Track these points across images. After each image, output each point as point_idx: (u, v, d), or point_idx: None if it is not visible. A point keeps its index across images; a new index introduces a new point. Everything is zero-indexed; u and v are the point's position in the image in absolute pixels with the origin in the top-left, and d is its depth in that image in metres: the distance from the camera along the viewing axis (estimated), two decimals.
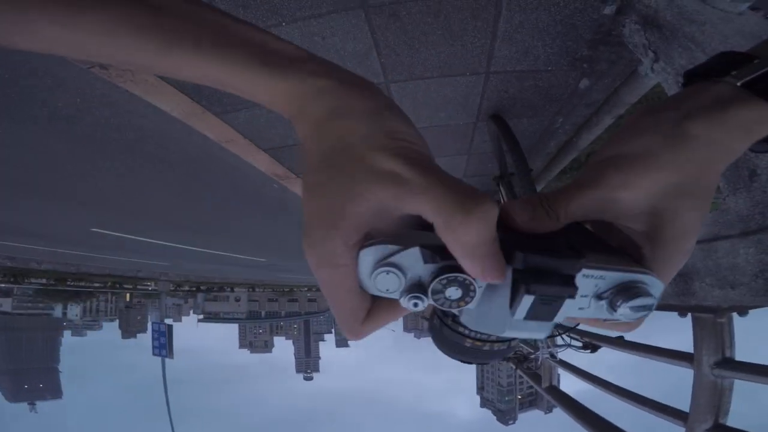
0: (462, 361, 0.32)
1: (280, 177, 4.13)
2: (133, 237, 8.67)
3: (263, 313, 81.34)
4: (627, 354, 2.33)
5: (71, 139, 3.58)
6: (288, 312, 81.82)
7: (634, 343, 2.14)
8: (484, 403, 74.51)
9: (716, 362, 1.46)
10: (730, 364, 1.45)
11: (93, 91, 2.88)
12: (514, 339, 0.29)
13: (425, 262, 0.24)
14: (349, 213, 0.23)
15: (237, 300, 71.86)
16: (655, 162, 0.25)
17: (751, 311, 1.33)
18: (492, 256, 0.22)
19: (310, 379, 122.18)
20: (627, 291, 0.24)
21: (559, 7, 1.94)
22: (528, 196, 0.29)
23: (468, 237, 0.21)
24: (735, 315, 1.37)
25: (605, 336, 2.46)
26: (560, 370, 3.62)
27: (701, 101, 0.26)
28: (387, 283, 0.24)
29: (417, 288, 0.24)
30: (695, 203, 0.26)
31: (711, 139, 0.25)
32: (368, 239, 0.24)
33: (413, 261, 0.24)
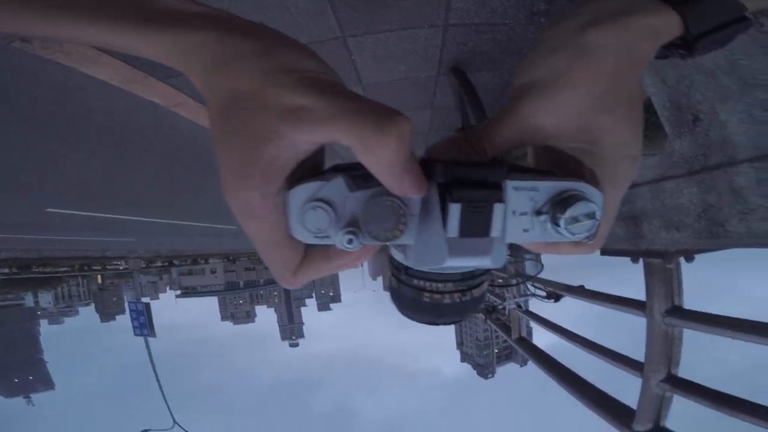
0: (428, 323, 0.30)
1: None
2: (92, 214, 8.33)
3: (242, 283, 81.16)
4: (589, 304, 2.41)
5: (9, 120, 3.33)
6: (267, 279, 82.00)
7: (593, 291, 2.21)
8: (464, 357, 78.40)
9: (666, 310, 1.51)
10: (679, 312, 1.50)
11: (22, 67, 2.65)
12: (476, 285, 0.27)
13: (351, 190, 0.22)
14: (259, 161, 0.22)
15: (213, 272, 71.21)
16: (565, 82, 0.24)
17: (697, 259, 1.38)
18: (411, 170, 0.21)
19: (296, 345, 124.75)
20: (565, 201, 0.23)
21: None
22: (452, 136, 0.26)
23: (386, 154, 0.21)
24: (683, 261, 1.41)
25: (567, 285, 2.54)
26: (532, 323, 3.77)
27: (605, 8, 0.24)
28: (317, 221, 0.22)
29: (350, 224, 0.23)
30: (620, 114, 0.25)
31: (618, 47, 0.24)
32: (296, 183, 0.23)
33: (340, 193, 0.23)
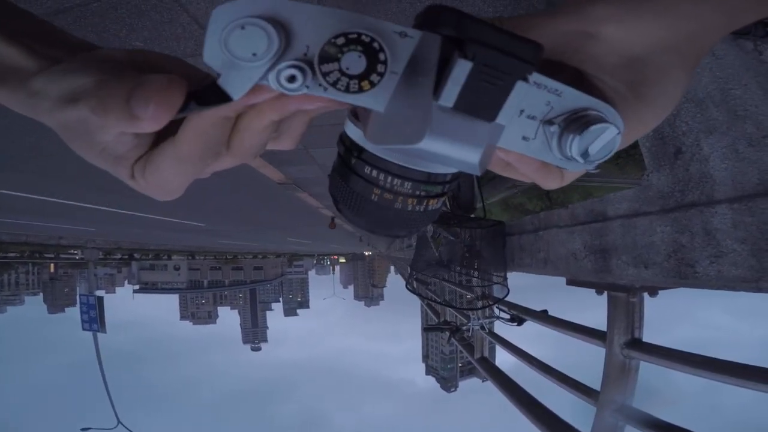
0: (365, 229, 0.25)
1: None
2: (47, 198, 7.90)
3: (205, 283, 78.73)
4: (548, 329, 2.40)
5: None
6: (232, 281, 79.83)
7: (556, 318, 2.19)
8: (429, 370, 78.64)
9: (626, 342, 1.49)
10: (638, 345, 1.49)
11: None
12: (437, 194, 0.23)
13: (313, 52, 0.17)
14: (104, 157, 0.22)
15: (176, 269, 68.83)
16: (671, 6, 0.20)
17: (660, 292, 1.36)
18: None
19: (258, 349, 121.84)
20: (586, 120, 0.19)
21: None
22: (484, 19, 0.19)
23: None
24: (646, 296, 1.39)
25: (531, 310, 2.52)
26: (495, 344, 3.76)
27: None
28: (249, 43, 0.16)
29: (295, 54, 0.17)
30: (686, 65, 0.21)
31: (728, 3, 0.20)
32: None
33: (289, 6, 0.16)
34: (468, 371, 74.24)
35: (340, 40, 0.16)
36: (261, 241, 28.16)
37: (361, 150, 0.22)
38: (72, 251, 20.45)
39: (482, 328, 3.25)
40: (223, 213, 11.56)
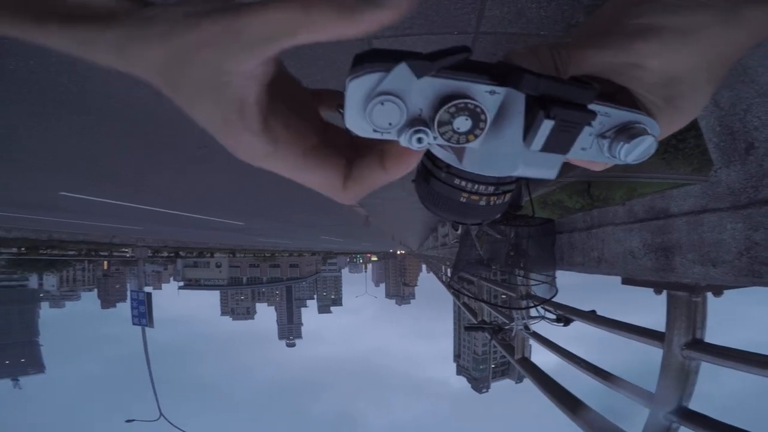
0: (455, 221, 0.31)
1: None
2: (104, 200, 8.43)
3: (245, 279, 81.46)
4: (599, 330, 2.34)
5: (31, 103, 3.38)
6: (270, 278, 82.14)
7: (607, 318, 2.13)
8: (460, 370, 77.70)
9: (686, 343, 1.44)
10: (699, 345, 1.43)
11: (48, 52, 2.66)
12: (510, 190, 0.28)
13: (418, 75, 0.21)
14: (231, 108, 0.21)
15: (218, 266, 71.64)
16: (703, 38, 0.24)
17: (726, 292, 1.30)
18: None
19: (293, 345, 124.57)
20: (629, 131, 0.24)
21: None
22: (536, 46, 0.25)
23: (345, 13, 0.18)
24: (710, 295, 1.33)
25: (578, 310, 2.46)
26: (533, 344, 3.68)
27: None
28: (387, 116, 0.21)
29: (419, 122, 0.22)
30: (715, 79, 0.25)
31: (759, 29, 0.24)
32: (271, 111, 0.22)
33: (406, 82, 0.21)
34: (501, 372, 72.73)
35: (452, 109, 0.21)
36: (296, 239, 28.81)
37: (449, 166, 0.26)
38: (123, 249, 21.68)
39: (526, 328, 3.20)
40: (261, 211, 11.92)
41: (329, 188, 0.26)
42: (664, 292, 1.45)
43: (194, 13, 0.20)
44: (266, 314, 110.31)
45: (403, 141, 0.22)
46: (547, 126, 0.21)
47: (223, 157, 5.38)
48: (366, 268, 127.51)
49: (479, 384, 75.45)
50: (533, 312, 2.76)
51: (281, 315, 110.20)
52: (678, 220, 1.10)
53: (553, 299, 2.16)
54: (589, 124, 0.23)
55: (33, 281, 78.51)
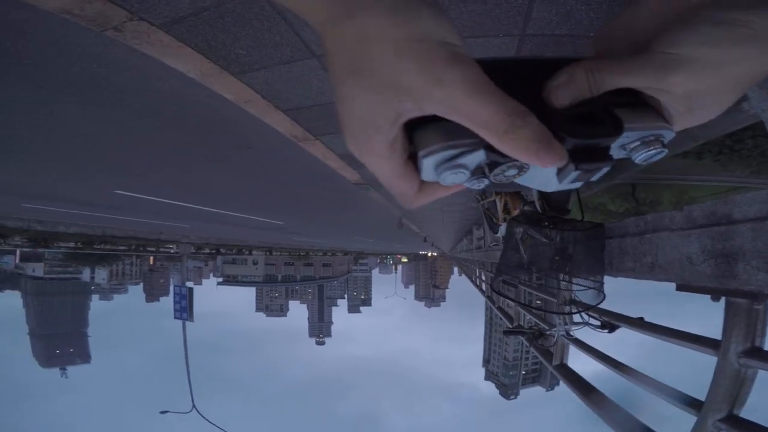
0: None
1: (298, 138, 4.09)
2: (154, 198, 8.90)
3: (279, 277, 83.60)
4: (647, 337, 2.28)
5: (92, 104, 3.62)
6: (303, 276, 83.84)
7: (656, 325, 2.07)
8: (489, 376, 76.15)
9: (744, 351, 1.39)
10: (758, 353, 1.38)
11: (108, 55, 2.86)
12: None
13: (490, 170, 0.27)
14: (388, 116, 0.25)
15: (255, 263, 74.03)
16: (740, 69, 0.25)
17: None
18: (551, 150, 0.24)
19: (322, 343, 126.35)
20: (648, 144, 0.28)
21: None
22: (573, 71, 0.27)
23: (521, 145, 0.23)
24: None
25: (625, 316, 2.39)
26: (572, 350, 3.60)
27: None
28: (454, 179, 0.28)
29: (479, 172, 0.28)
30: (737, 93, 0.27)
31: None
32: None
33: (477, 159, 0.27)
34: (532, 379, 70.73)
35: (504, 168, 0.27)
36: (331, 238, 29.25)
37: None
38: (169, 245, 22.84)
39: (567, 334, 3.14)
40: (300, 212, 12.22)
41: (405, 196, 0.31)
42: (722, 299, 1.41)
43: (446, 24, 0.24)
44: (298, 312, 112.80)
45: (467, 185, 0.29)
46: (574, 173, 0.27)
47: (267, 158, 5.60)
48: (396, 269, 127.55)
49: (508, 390, 73.64)
50: (576, 318, 2.71)
51: (312, 313, 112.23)
52: (742, 226, 1.07)
53: (599, 306, 2.13)
54: (608, 167, 0.28)
55: (86, 274, 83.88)
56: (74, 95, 3.48)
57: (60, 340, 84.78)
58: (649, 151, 0.28)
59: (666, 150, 0.28)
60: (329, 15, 0.23)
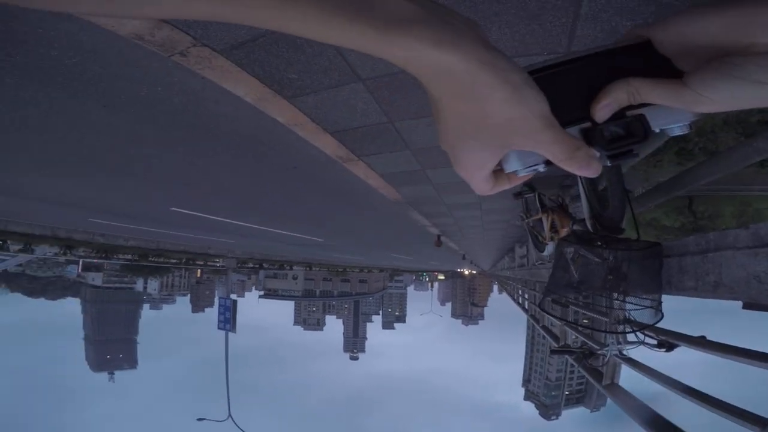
0: None
1: (342, 159, 4.23)
2: (206, 215, 9.34)
3: (318, 292, 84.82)
4: (705, 355, 2.15)
5: (154, 125, 3.88)
6: (340, 291, 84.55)
7: (719, 344, 1.95)
8: (528, 396, 72.55)
9: None
10: None
11: (172, 79, 3.04)
12: None
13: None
14: (494, 161, 0.36)
15: (294, 278, 75.76)
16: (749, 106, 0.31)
17: None
18: (591, 168, 0.35)
19: (356, 359, 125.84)
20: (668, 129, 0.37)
21: None
22: (615, 91, 0.34)
23: (576, 167, 0.34)
24: None
25: (684, 335, 2.27)
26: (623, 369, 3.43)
27: None
28: (528, 172, 0.38)
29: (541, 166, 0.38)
30: None
31: None
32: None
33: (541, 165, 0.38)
34: (575, 400, 66.69)
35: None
36: (368, 256, 29.42)
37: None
38: (216, 259, 23.91)
39: (620, 353, 3.00)
40: (340, 229, 12.41)
41: (484, 189, 0.39)
42: None
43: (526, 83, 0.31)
44: (334, 326, 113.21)
45: (540, 168, 0.38)
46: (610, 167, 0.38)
47: (311, 178, 5.81)
48: (432, 286, 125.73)
49: (549, 411, 69.65)
50: (631, 337, 2.60)
51: (347, 328, 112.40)
52: None
53: (656, 324, 2.04)
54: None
55: (139, 284, 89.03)
56: (143, 117, 3.75)
57: (111, 345, 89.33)
58: (677, 131, 0.37)
59: (691, 129, 0.36)
60: (455, 94, 0.31)
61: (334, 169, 4.82)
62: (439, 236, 11.56)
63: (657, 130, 0.36)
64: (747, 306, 1.38)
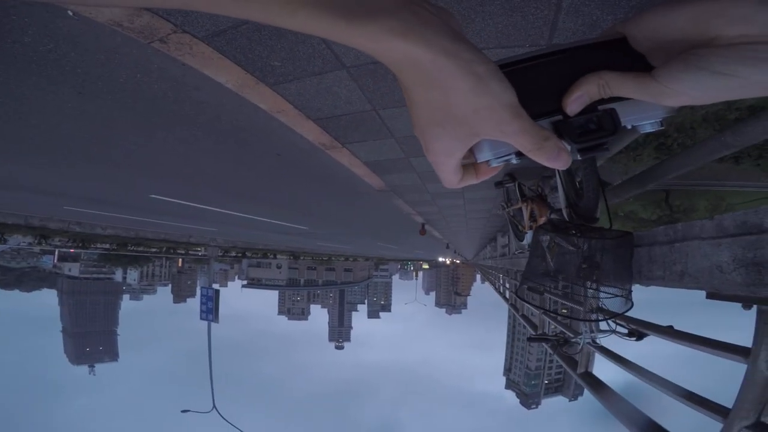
0: None
1: (326, 146, 4.20)
2: (186, 203, 9.19)
3: (302, 281, 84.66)
4: (674, 345, 2.26)
5: (133, 111, 3.79)
6: (325, 281, 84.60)
7: (686, 333, 2.05)
8: (509, 385, 74.46)
9: None
10: None
11: (152, 65, 2.98)
12: None
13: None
14: (463, 150, 0.36)
15: (278, 267, 75.40)
16: (717, 99, 0.32)
17: None
18: (560, 159, 0.35)
19: (341, 348, 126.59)
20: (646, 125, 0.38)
21: None
22: (587, 84, 0.34)
23: (544, 157, 0.34)
24: None
25: (653, 324, 2.37)
26: (596, 358, 3.56)
27: None
28: (500, 162, 0.39)
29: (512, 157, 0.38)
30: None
31: None
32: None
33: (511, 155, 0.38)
34: (554, 389, 68.79)
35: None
36: (353, 244, 29.43)
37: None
38: (197, 248, 23.52)
39: (593, 342, 3.11)
40: (325, 217, 12.38)
41: (451, 181, 0.40)
42: (754, 308, 1.41)
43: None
44: (319, 316, 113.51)
45: (512, 160, 0.39)
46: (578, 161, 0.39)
47: (295, 165, 5.76)
48: (417, 275, 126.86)
49: (529, 399, 71.66)
50: (603, 326, 2.69)
51: (333, 317, 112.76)
52: None
53: (626, 313, 2.12)
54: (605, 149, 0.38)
55: (118, 275, 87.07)
56: (121, 103, 3.66)
57: (91, 338, 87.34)
58: (648, 128, 0.37)
59: (663, 126, 0.37)
60: (422, 83, 0.31)
61: (318, 157, 4.79)
62: (423, 225, 11.65)
63: (628, 126, 0.37)
64: (710, 296, 1.45)
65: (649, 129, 0.37)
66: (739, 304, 1.44)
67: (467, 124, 0.33)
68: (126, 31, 2.36)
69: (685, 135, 5.13)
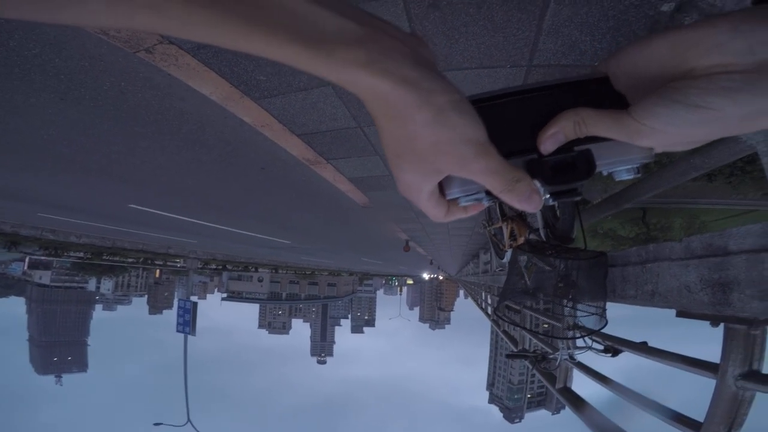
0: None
1: (311, 161, 4.20)
2: (167, 214, 8.99)
3: (284, 295, 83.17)
4: (649, 360, 2.30)
5: (115, 119, 3.74)
6: (308, 295, 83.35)
7: (658, 350, 2.10)
8: (492, 399, 74.14)
9: (741, 374, 1.43)
10: (755, 376, 1.43)
11: (137, 75, 2.97)
12: None
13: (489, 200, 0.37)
14: (429, 184, 0.34)
15: (260, 280, 73.96)
16: (695, 139, 0.32)
17: None
18: (531, 202, 0.33)
19: (324, 363, 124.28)
20: (623, 171, 0.36)
21: (612, 2, 1.89)
22: (560, 123, 0.32)
23: (515, 200, 0.32)
24: None
25: (628, 341, 2.42)
26: (575, 373, 3.60)
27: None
28: (470, 201, 0.37)
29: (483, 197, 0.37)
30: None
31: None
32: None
33: (481, 195, 0.36)
34: (537, 403, 68.74)
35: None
36: (337, 259, 29.18)
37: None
38: (176, 260, 22.93)
39: (571, 358, 3.14)
40: (309, 232, 12.27)
41: (437, 217, 0.38)
42: (721, 325, 1.46)
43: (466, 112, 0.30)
44: (301, 330, 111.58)
45: (463, 202, 0.37)
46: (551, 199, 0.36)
47: (279, 179, 5.73)
48: (401, 291, 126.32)
49: (512, 414, 71.35)
50: (580, 342, 2.73)
51: (315, 332, 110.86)
52: (737, 258, 1.13)
53: (602, 330, 2.16)
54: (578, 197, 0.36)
55: (92, 284, 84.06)
56: (104, 112, 3.61)
57: (59, 347, 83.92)
58: (624, 175, 0.35)
59: (639, 174, 0.35)
60: (385, 114, 0.30)
61: (303, 172, 4.78)
62: (407, 241, 11.67)
63: (604, 172, 0.35)
64: (680, 314, 1.49)
65: (624, 176, 0.36)
66: (708, 322, 1.49)
67: (428, 158, 0.31)
68: (112, 39, 2.36)
69: (665, 154, 5.33)
